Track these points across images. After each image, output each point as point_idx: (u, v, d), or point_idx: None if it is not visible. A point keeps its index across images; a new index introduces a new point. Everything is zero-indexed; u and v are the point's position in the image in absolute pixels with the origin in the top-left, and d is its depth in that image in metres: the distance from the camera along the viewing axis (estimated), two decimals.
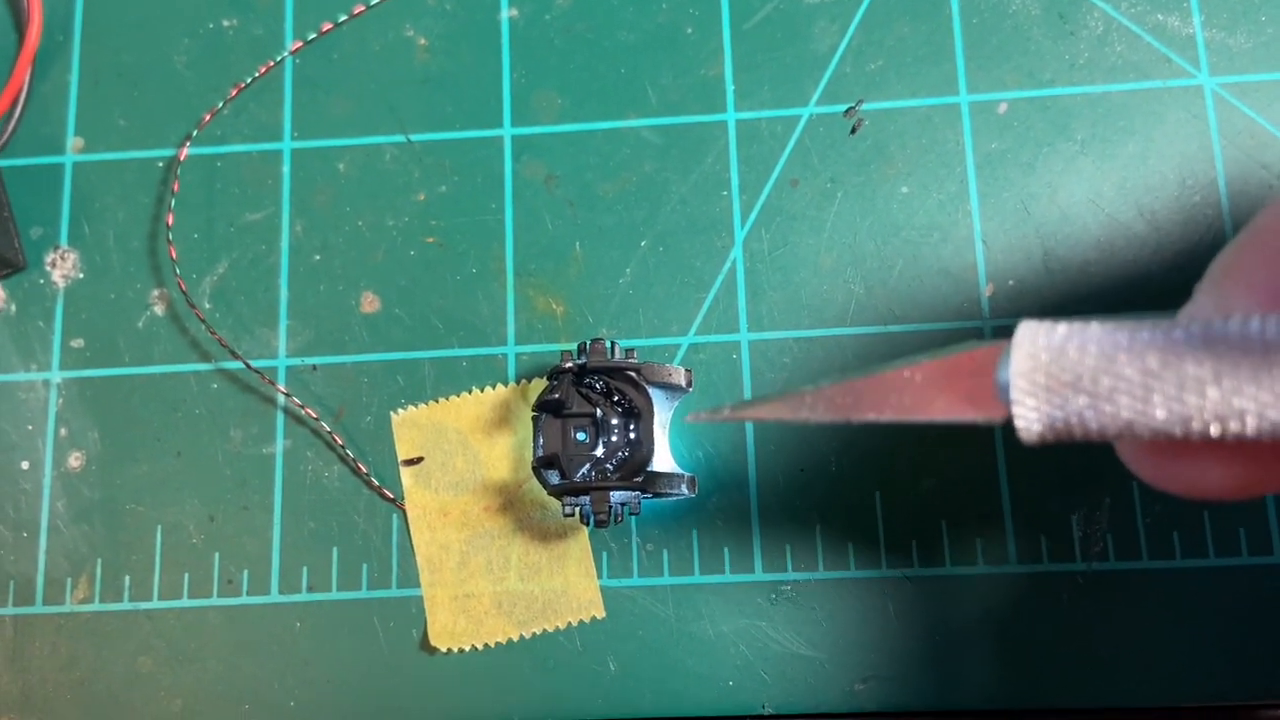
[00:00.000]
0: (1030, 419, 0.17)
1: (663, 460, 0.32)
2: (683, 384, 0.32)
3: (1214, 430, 0.16)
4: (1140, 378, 0.17)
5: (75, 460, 0.35)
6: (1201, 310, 0.18)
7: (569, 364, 0.31)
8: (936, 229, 0.34)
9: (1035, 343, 0.17)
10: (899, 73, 0.35)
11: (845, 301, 0.34)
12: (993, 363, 0.18)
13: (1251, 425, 0.16)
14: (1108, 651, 0.31)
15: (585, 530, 0.33)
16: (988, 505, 0.32)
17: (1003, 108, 0.35)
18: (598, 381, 0.32)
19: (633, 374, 0.31)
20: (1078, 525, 0.32)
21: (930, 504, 0.33)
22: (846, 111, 0.35)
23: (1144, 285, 0.33)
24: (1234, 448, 0.17)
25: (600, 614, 0.33)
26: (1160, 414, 0.16)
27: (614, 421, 0.32)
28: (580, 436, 0.32)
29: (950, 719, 0.32)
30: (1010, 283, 0.34)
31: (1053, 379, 0.17)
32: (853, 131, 0.35)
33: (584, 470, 0.32)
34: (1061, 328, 0.17)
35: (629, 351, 0.32)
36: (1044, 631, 0.32)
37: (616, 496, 0.31)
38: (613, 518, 0.31)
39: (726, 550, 0.33)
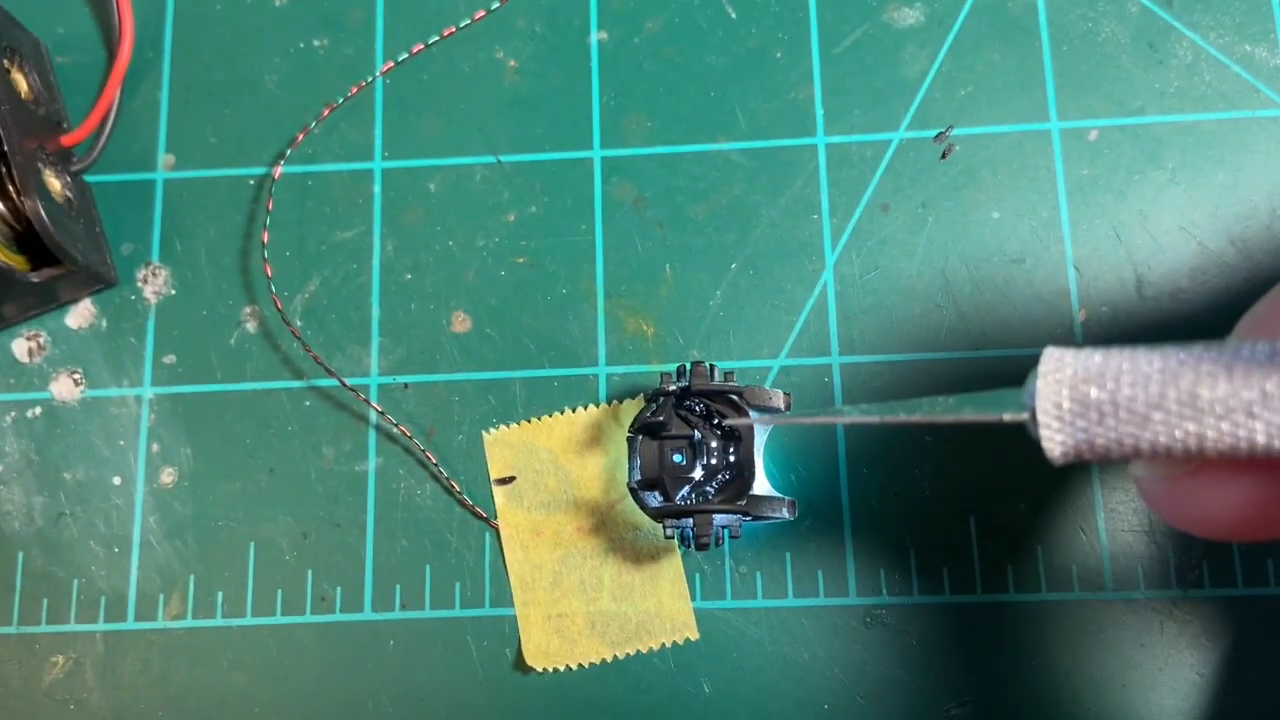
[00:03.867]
0: (1054, 437, 0.18)
1: (760, 483, 0.32)
2: (781, 407, 0.32)
3: (1224, 431, 0.17)
4: (1156, 391, 0.17)
5: (167, 476, 0.35)
6: None
7: (671, 386, 0.31)
8: (1028, 254, 0.34)
9: (1061, 362, 0.18)
10: (989, 99, 0.36)
11: (937, 326, 0.34)
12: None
13: (1260, 430, 0.16)
14: (1203, 678, 0.31)
15: (678, 552, 0.33)
16: (1083, 531, 0.33)
17: (1093, 135, 0.35)
18: (698, 404, 0.32)
19: (734, 397, 0.31)
20: (1173, 552, 0.32)
21: (1025, 528, 0.33)
22: (937, 136, 0.35)
23: (1237, 312, 0.33)
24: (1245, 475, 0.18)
25: (694, 636, 0.33)
26: (1174, 434, 0.17)
27: (713, 444, 0.32)
28: (677, 458, 0.32)
29: None
30: (1103, 309, 0.34)
31: (1075, 398, 0.18)
32: (943, 156, 0.35)
33: (684, 492, 0.32)
34: (1084, 352, 0.18)
35: (727, 374, 0.32)
36: (1140, 658, 0.32)
37: (718, 520, 0.31)
38: (713, 540, 0.31)
39: (820, 573, 0.33)
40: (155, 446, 0.35)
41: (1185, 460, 0.18)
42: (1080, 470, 0.33)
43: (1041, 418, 0.18)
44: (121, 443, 0.35)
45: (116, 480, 0.35)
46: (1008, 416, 0.19)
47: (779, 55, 0.37)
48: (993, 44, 0.36)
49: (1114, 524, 0.32)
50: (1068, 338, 0.34)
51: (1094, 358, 0.18)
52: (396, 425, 0.34)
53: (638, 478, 0.32)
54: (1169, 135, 0.35)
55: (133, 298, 0.36)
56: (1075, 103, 0.35)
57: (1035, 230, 0.35)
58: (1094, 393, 0.17)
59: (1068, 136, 0.35)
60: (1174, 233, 0.34)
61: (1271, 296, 0.19)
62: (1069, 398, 0.18)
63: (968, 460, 0.33)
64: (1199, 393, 0.17)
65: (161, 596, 0.34)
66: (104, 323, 0.36)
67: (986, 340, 0.34)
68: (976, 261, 0.35)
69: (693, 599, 0.33)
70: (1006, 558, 0.33)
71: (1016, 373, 0.34)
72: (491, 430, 0.35)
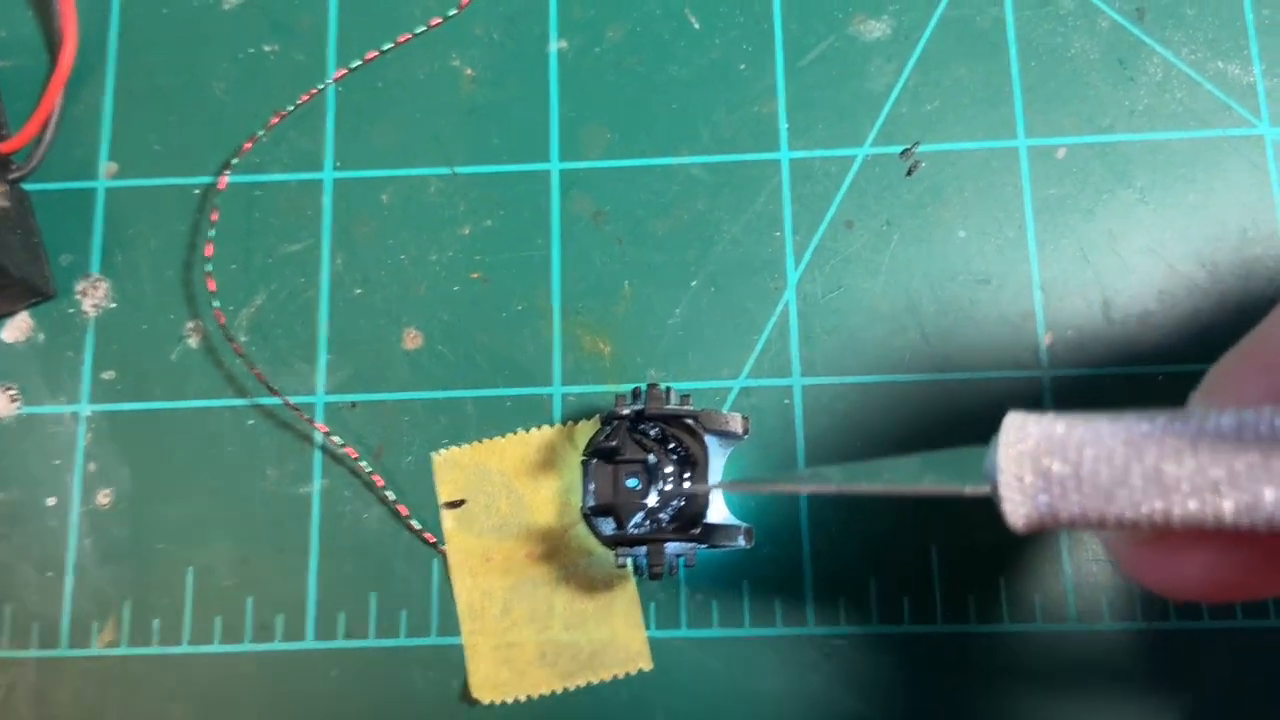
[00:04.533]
0: (1018, 510, 0.17)
1: (717, 509, 0.31)
2: (739, 431, 0.31)
3: (1191, 510, 0.16)
4: (1120, 466, 0.16)
5: (104, 497, 0.33)
6: None
7: (625, 410, 0.30)
8: (994, 275, 0.34)
9: (1024, 432, 0.17)
10: (956, 114, 0.35)
11: (902, 347, 0.33)
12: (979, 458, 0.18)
13: (1229, 509, 0.16)
14: (1167, 712, 0.31)
15: (632, 579, 0.32)
16: (1047, 562, 0.32)
17: (1061, 153, 0.34)
18: (653, 428, 0.31)
19: (690, 421, 0.30)
20: (1138, 585, 0.31)
21: (988, 559, 0.32)
22: (903, 153, 0.35)
23: (1205, 336, 0.33)
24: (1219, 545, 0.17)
25: (648, 666, 0.32)
26: (1140, 509, 0.16)
27: (668, 470, 0.31)
28: (631, 483, 0.31)
29: None
30: (1069, 332, 0.33)
31: (1037, 471, 0.17)
32: (909, 173, 0.34)
33: (638, 519, 0.31)
34: (1046, 420, 0.17)
35: (684, 397, 0.31)
36: (1104, 691, 0.31)
37: (672, 548, 0.30)
38: (667, 569, 0.30)
39: (778, 602, 0.32)
40: (92, 466, 0.34)
41: (1151, 529, 0.17)
42: None
43: (1004, 491, 0.17)
44: (57, 462, 0.34)
45: (51, 501, 0.34)
46: (969, 490, 0.18)
47: (743, 67, 0.36)
48: (960, 58, 0.35)
49: (1079, 554, 0.32)
50: (1033, 362, 0.33)
51: (1056, 427, 0.17)
52: (343, 446, 0.33)
53: (591, 503, 0.31)
54: (1138, 154, 0.34)
55: (71, 311, 0.35)
56: (1043, 119, 0.35)
57: (1001, 249, 0.34)
58: (1056, 466, 0.17)
59: (1035, 154, 0.34)
60: (1142, 254, 0.33)
61: (1236, 352, 0.18)
62: (1031, 470, 0.17)
63: None
64: (1164, 469, 0.16)
65: (95, 623, 0.33)
66: (41, 337, 0.35)
67: (951, 363, 0.33)
68: (942, 281, 0.34)
69: (647, 627, 0.32)
70: (968, 588, 0.32)
71: (980, 397, 0.33)
72: (442, 451, 0.33)
